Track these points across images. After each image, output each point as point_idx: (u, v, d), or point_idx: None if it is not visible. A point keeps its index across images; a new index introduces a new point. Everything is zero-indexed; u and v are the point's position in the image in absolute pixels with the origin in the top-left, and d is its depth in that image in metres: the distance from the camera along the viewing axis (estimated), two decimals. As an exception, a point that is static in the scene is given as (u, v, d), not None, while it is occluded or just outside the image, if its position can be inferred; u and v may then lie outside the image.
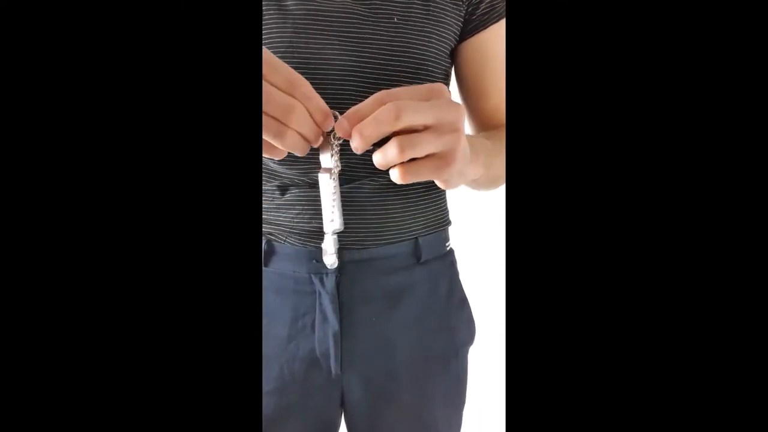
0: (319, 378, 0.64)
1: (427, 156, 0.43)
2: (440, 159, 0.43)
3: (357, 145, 0.42)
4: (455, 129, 0.43)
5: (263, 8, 0.59)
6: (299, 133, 0.43)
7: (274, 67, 0.42)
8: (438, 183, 0.47)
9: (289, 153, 0.57)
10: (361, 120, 0.41)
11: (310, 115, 0.43)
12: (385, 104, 0.41)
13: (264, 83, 0.41)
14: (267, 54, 0.42)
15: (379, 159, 0.43)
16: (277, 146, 0.43)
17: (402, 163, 0.42)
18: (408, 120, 0.40)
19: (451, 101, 0.43)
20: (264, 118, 0.41)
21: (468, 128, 0.74)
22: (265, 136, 0.42)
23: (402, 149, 0.41)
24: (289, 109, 0.41)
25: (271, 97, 0.41)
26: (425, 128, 0.42)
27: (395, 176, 0.43)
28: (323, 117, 0.43)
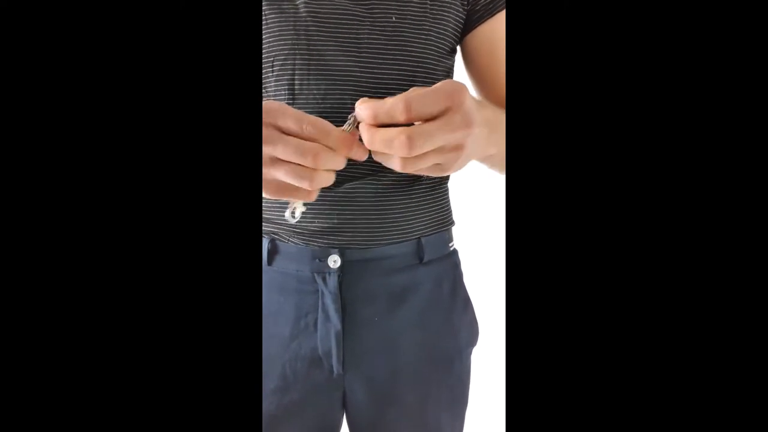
0: (320, 377, 0.65)
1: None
2: (437, 167, 0.45)
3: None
4: (458, 147, 0.44)
5: (266, 11, 0.60)
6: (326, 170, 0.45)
7: (282, 113, 0.43)
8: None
9: None
10: (384, 122, 0.42)
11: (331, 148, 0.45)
12: (401, 118, 0.41)
13: (276, 132, 0.43)
14: (270, 103, 0.44)
15: (386, 161, 0.44)
16: (305, 187, 0.45)
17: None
18: (419, 150, 0.41)
19: (466, 117, 0.43)
20: (289, 166, 0.44)
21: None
22: (293, 181, 0.44)
23: (406, 166, 0.43)
24: (313, 152, 0.43)
25: (290, 144, 0.43)
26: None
27: (395, 164, 0.44)
28: (350, 146, 0.44)
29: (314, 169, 0.44)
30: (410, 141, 0.40)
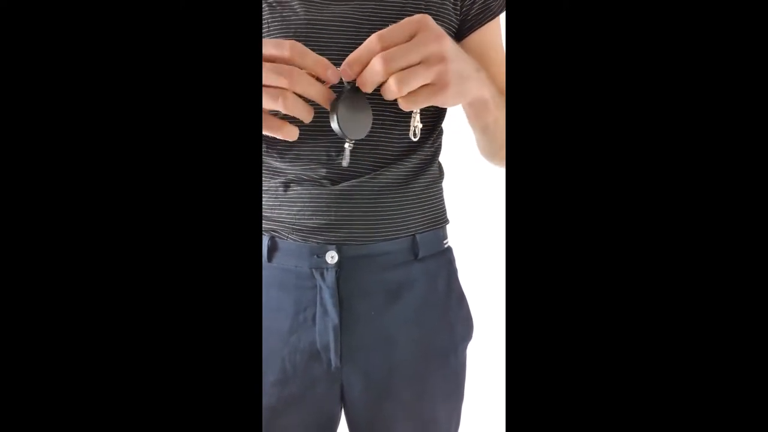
0: (319, 370, 0.66)
1: (423, 86, 0.48)
2: (435, 86, 0.48)
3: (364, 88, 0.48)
4: (441, 59, 0.47)
5: (267, 18, 0.61)
6: (300, 96, 0.48)
7: (265, 43, 0.47)
8: (438, 104, 0.51)
9: (292, 151, 0.59)
10: (362, 65, 0.47)
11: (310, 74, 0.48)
12: (376, 52, 0.46)
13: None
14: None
15: (386, 95, 0.48)
16: (280, 109, 0.47)
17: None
18: (397, 66, 0.46)
19: (435, 32, 0.48)
20: (266, 88, 0.46)
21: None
22: (267, 106, 0.47)
23: (399, 86, 0.47)
24: (284, 71, 0.46)
25: (269, 68, 0.46)
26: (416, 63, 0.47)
27: (400, 105, 0.49)
28: (323, 68, 0.48)
29: (288, 89, 0.46)
30: (385, 58, 0.45)
